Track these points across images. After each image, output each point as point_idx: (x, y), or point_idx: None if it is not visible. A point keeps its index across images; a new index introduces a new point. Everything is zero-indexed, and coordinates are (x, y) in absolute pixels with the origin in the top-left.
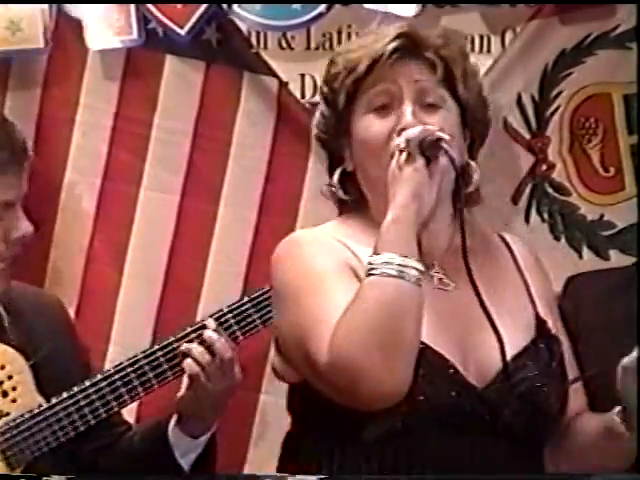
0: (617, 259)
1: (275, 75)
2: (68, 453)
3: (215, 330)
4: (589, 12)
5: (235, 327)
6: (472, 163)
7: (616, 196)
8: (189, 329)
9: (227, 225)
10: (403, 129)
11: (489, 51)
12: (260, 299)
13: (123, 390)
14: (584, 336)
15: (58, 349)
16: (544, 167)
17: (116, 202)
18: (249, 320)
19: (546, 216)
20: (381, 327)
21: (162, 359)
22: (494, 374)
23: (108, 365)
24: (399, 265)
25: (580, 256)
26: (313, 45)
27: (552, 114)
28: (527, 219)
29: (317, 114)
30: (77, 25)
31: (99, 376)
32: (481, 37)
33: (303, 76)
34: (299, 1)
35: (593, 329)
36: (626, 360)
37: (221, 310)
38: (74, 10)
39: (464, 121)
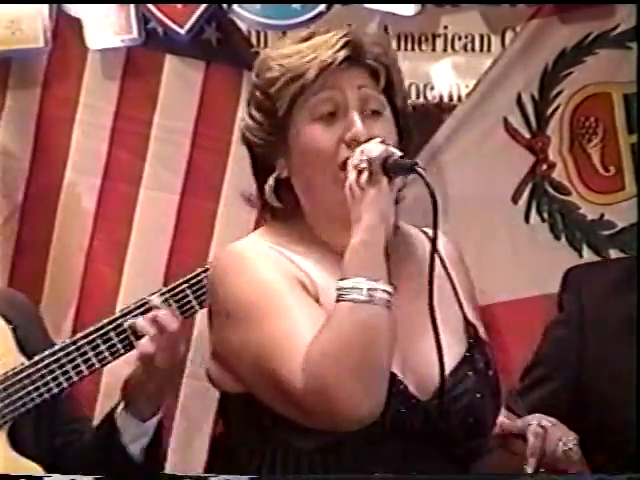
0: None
1: None
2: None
3: (159, 304)
4: (589, 11)
5: (191, 297)
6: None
7: (616, 195)
8: (132, 305)
9: (227, 224)
10: (355, 139)
11: (489, 50)
12: (197, 280)
13: (79, 361)
14: (587, 326)
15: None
16: (544, 167)
17: (116, 201)
18: (186, 300)
19: (546, 215)
20: (356, 352)
21: (112, 333)
22: (434, 388)
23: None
24: (369, 290)
25: (580, 255)
26: None
27: (552, 113)
28: (527, 219)
29: (246, 118)
30: (77, 25)
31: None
32: (481, 36)
33: None
34: (299, 1)
35: (596, 319)
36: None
37: (160, 289)
38: (74, 10)
39: (398, 128)
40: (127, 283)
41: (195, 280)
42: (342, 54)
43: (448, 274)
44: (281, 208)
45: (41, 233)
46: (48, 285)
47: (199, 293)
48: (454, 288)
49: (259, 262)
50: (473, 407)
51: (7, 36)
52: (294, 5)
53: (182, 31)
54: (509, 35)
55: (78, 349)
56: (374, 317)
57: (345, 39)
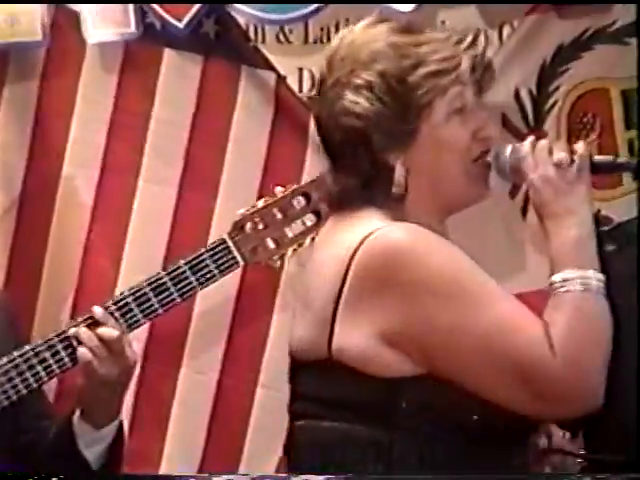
0: None
1: (273, 69)
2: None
3: (102, 316)
4: (586, 7)
5: (136, 311)
6: None
7: (613, 192)
8: (80, 319)
9: (224, 217)
10: (488, 136)
11: (486, 46)
12: (158, 282)
13: (28, 374)
14: None
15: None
16: None
17: (114, 194)
18: (149, 304)
19: None
20: (604, 343)
21: (59, 346)
22: None
23: None
24: (598, 281)
25: None
26: (311, 39)
27: (550, 109)
28: (524, 214)
29: (366, 103)
30: (75, 18)
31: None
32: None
33: (301, 70)
34: (295, 1)
35: None
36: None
37: (122, 293)
38: (72, 3)
39: None
40: (124, 276)
41: (176, 272)
42: (487, 54)
43: None
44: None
45: (39, 226)
46: (46, 277)
47: (162, 296)
48: None
49: (441, 240)
50: None
51: (5, 29)
52: None
53: (180, 25)
54: (506, 30)
55: (36, 355)
56: (602, 307)
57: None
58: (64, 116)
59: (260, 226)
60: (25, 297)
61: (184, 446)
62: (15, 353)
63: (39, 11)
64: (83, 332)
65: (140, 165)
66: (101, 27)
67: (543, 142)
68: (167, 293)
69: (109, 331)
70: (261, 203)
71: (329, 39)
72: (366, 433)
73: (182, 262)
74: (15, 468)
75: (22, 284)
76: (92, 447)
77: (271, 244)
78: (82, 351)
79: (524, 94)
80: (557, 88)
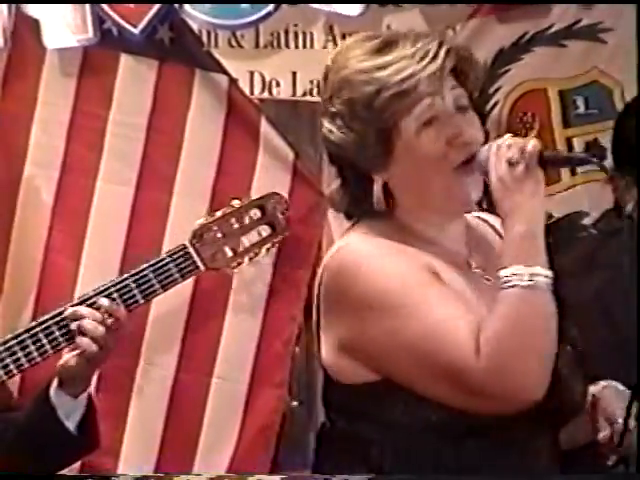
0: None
1: (225, 72)
2: None
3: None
4: (525, 11)
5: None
6: None
7: (552, 188)
8: (77, 300)
9: (180, 215)
10: (463, 141)
11: None
12: (123, 284)
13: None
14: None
15: None
16: None
17: (73, 194)
18: (130, 295)
19: (485, 206)
20: (533, 335)
21: (54, 327)
22: None
23: None
24: (537, 275)
25: None
26: (262, 43)
27: (491, 109)
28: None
29: (338, 131)
30: (35, 25)
31: None
32: None
33: (252, 73)
34: (248, 1)
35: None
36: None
37: (87, 293)
38: (32, 10)
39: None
40: (84, 273)
41: (140, 275)
42: (448, 65)
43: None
44: (375, 208)
45: (1, 224)
46: (9, 274)
47: (144, 287)
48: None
49: (392, 253)
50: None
51: None
52: (243, 5)
53: (136, 31)
54: (449, 34)
55: (20, 343)
56: (548, 304)
57: (446, 47)
58: (25, 119)
59: (218, 235)
60: None
61: (142, 436)
62: (8, 336)
63: (0, 18)
64: (84, 309)
65: (99, 165)
66: (60, 33)
67: (499, 141)
68: (130, 294)
69: (109, 304)
70: (219, 213)
71: (279, 44)
72: (349, 432)
73: (146, 266)
74: None
75: None
76: (72, 415)
77: (229, 252)
78: (84, 339)
79: None
80: (498, 89)
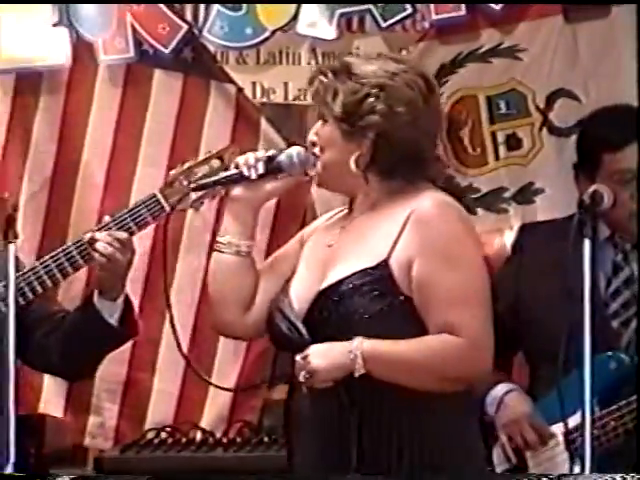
0: (483, 215)
1: (234, 83)
2: (24, 343)
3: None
4: (461, 36)
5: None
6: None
7: (481, 169)
8: (95, 228)
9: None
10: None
11: None
12: (122, 217)
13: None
14: (524, 268)
15: None
16: None
17: (119, 177)
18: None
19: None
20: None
21: (75, 251)
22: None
23: None
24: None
25: None
26: (262, 61)
27: None
28: None
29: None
30: (91, 46)
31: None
32: None
33: (254, 83)
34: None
35: (532, 263)
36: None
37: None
38: (89, 34)
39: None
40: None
41: (120, 218)
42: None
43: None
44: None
45: (65, 201)
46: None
47: (138, 220)
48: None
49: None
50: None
51: (36, 57)
52: (247, 32)
53: (166, 51)
54: (403, 54)
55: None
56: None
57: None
58: (82, 119)
59: (184, 182)
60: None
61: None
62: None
63: (66, 40)
64: (99, 234)
65: (137, 155)
66: (109, 53)
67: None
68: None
69: (119, 233)
70: (186, 165)
71: (274, 61)
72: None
73: (125, 211)
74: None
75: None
76: (113, 315)
77: (193, 195)
78: (102, 245)
79: None
80: (440, 95)
